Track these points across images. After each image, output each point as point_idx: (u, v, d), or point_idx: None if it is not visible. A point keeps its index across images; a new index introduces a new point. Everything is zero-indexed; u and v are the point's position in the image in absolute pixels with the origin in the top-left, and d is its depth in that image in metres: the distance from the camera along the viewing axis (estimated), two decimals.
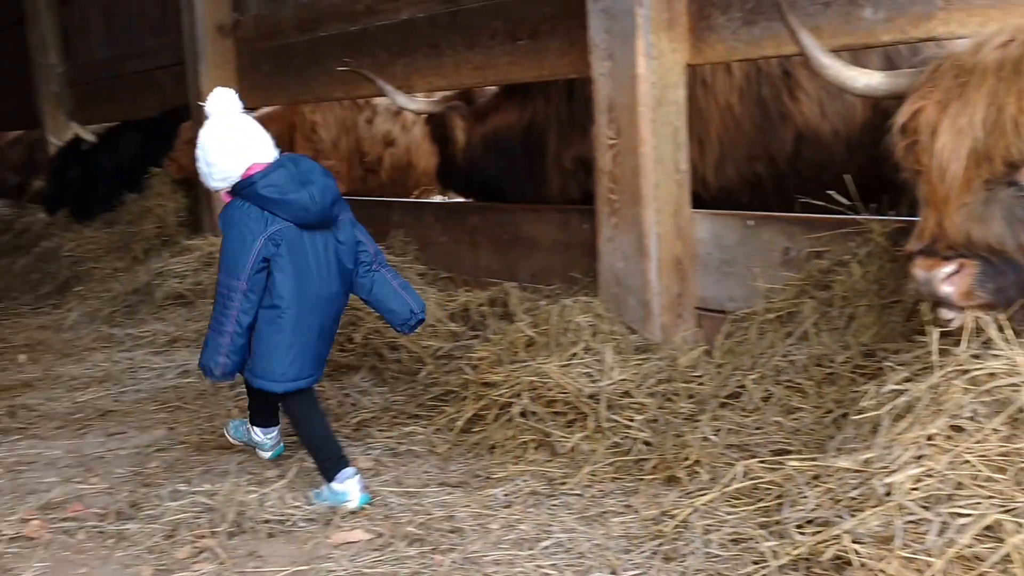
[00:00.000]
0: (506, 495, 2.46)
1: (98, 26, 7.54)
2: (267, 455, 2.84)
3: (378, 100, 5.69)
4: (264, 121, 2.95)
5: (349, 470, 2.48)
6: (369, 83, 4.44)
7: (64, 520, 2.48)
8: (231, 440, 2.95)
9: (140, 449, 3.06)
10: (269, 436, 2.82)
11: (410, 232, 4.51)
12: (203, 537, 2.30)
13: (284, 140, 5.62)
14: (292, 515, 2.39)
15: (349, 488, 2.44)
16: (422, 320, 2.69)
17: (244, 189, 2.54)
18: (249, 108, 5.40)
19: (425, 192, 5.96)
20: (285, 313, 2.48)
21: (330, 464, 2.48)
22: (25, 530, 2.42)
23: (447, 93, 4.41)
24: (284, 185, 2.51)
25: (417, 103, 4.37)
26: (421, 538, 2.24)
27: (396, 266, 4.20)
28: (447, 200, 5.35)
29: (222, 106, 2.68)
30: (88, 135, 7.12)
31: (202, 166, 2.63)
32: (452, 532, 2.26)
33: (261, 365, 2.49)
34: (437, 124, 4.43)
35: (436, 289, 3.95)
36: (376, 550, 2.20)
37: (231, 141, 2.60)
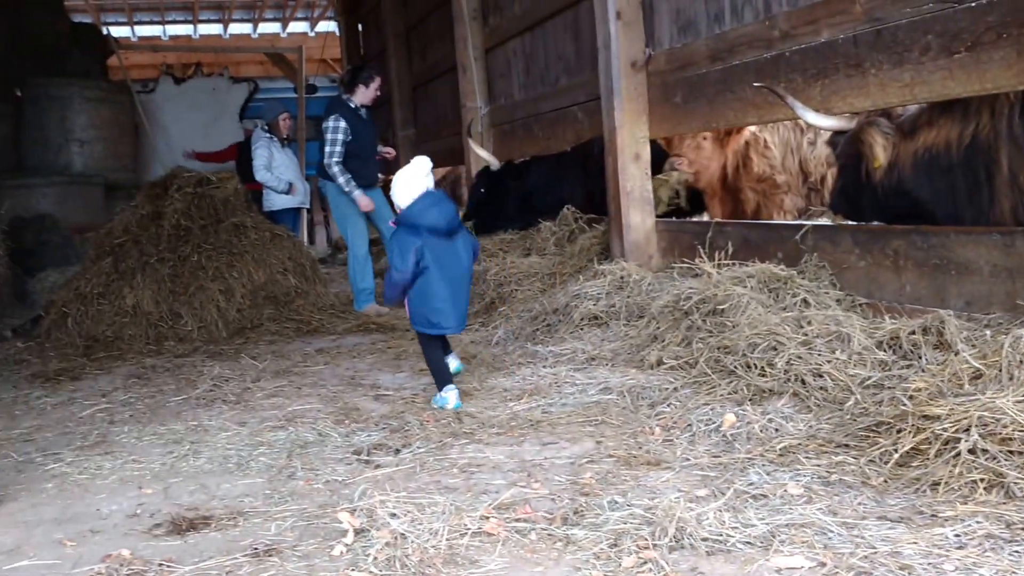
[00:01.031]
0: (957, 536, 2.30)
1: (518, 71, 8.26)
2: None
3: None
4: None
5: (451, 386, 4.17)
6: (782, 108, 4.42)
7: (516, 520, 2.71)
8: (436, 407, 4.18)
9: (573, 459, 3.27)
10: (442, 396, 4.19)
11: (824, 256, 4.40)
12: (646, 548, 2.40)
13: (740, 155, 5.78)
14: (730, 536, 2.41)
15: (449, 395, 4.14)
16: None
17: (402, 216, 4.14)
18: (658, 137, 5.64)
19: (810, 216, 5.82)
20: (434, 287, 4.09)
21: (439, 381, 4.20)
22: (485, 527, 2.67)
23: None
24: (425, 207, 4.08)
25: (829, 120, 4.26)
26: (867, 572, 2.16)
27: (811, 291, 4.15)
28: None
29: (416, 166, 4.21)
30: (491, 159, 7.98)
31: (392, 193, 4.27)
32: (901, 569, 2.16)
33: (420, 317, 4.18)
34: (848, 142, 4.28)
35: (858, 315, 3.80)
36: None
37: (405, 187, 4.17)
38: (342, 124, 7.10)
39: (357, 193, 7.15)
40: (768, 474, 2.85)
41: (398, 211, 4.22)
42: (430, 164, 4.25)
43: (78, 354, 6.24)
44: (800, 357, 3.49)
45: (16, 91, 11.50)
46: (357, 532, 2.66)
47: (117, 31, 17.31)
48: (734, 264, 4.62)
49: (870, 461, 2.82)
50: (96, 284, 6.78)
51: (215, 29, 21.79)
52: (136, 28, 21.16)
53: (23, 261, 9.00)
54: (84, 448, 3.97)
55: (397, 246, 4.09)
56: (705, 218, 6.27)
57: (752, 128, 5.77)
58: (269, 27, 22.09)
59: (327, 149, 7.11)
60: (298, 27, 22.08)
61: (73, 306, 6.69)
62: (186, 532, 2.89)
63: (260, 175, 8.44)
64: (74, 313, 6.66)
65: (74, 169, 11.31)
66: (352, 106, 7.24)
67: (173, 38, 21.36)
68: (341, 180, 7.09)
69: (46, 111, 11.18)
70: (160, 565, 2.61)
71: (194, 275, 6.79)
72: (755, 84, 4.53)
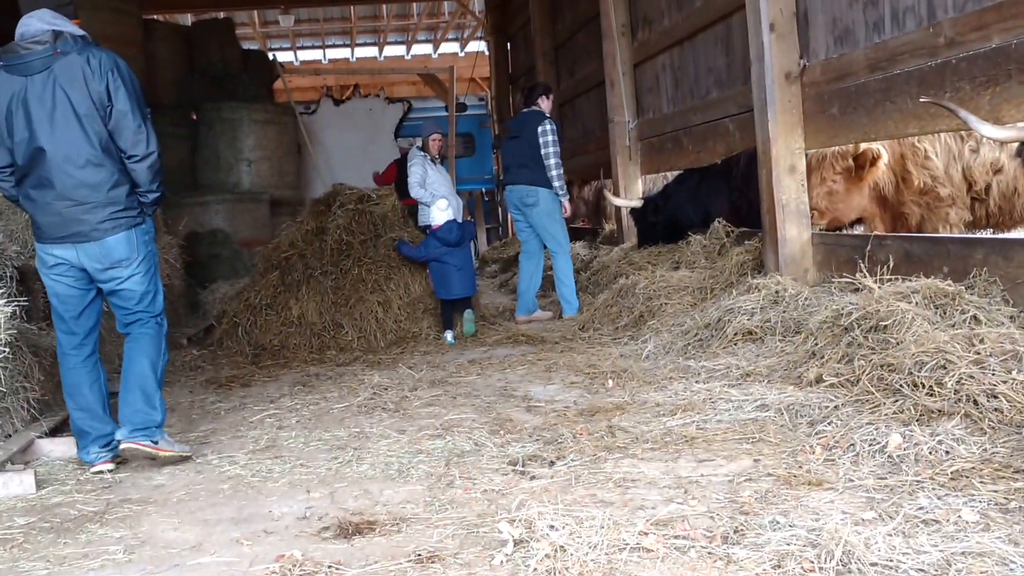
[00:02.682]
0: None
1: (667, 85, 8.22)
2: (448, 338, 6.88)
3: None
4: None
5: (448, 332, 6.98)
6: (945, 118, 4.25)
7: (675, 537, 2.69)
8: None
9: (731, 477, 3.22)
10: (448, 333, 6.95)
11: (995, 271, 4.19)
12: (811, 572, 2.34)
13: (899, 169, 5.60)
14: (901, 562, 2.32)
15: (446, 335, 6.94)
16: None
17: (435, 232, 7.13)
18: (815, 148, 5.50)
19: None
20: (449, 271, 6.96)
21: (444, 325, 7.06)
22: (644, 542, 2.66)
23: None
24: (447, 231, 7.00)
25: (1007, 131, 4.05)
26: None
27: (981, 308, 3.95)
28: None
29: (435, 211, 7.22)
30: (631, 202, 8.43)
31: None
32: None
33: (439, 289, 7.08)
34: None
35: None
36: None
37: (439, 216, 7.16)
38: (556, 128, 7.48)
39: (566, 199, 7.64)
40: (939, 499, 2.74)
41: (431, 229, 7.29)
42: (447, 203, 7.30)
43: (247, 362, 6.62)
44: (972, 376, 3.33)
45: (192, 115, 12.28)
46: (517, 542, 2.70)
47: (282, 56, 18.23)
48: (896, 279, 4.45)
49: None
50: (264, 296, 7.17)
51: (371, 52, 22.69)
52: (299, 53, 22.28)
53: (196, 273, 9.59)
54: (255, 452, 4.20)
55: (427, 245, 7.10)
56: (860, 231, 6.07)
57: (881, 147, 5.55)
58: (421, 48, 22.82)
59: (551, 150, 7.40)
60: (449, 48, 22.71)
61: (243, 316, 7.09)
62: (352, 536, 3.01)
63: (414, 191, 8.70)
64: (244, 323, 7.06)
65: (243, 187, 11.97)
66: (549, 115, 7.59)
67: (332, 61, 22.37)
68: (562, 183, 7.54)
69: (218, 133, 11.89)
70: (330, 567, 2.73)
71: (354, 288, 7.09)
72: (922, 100, 4.36)
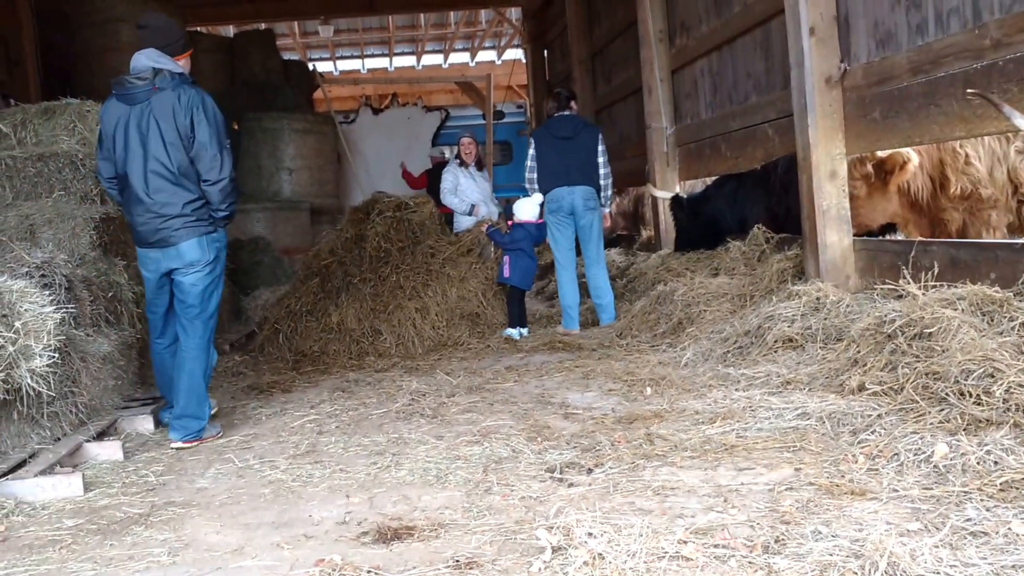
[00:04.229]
0: None
1: (705, 91, 8.18)
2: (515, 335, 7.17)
3: None
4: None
5: (514, 330, 7.23)
6: (993, 120, 4.18)
7: (715, 546, 2.66)
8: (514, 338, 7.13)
9: (771, 486, 3.18)
10: (516, 331, 7.18)
11: None
12: None
13: (937, 175, 5.50)
14: (949, 575, 2.30)
15: (511, 332, 7.21)
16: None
17: (524, 225, 7.50)
18: (856, 153, 5.43)
19: None
20: (526, 260, 7.45)
21: (513, 322, 7.27)
22: (683, 551, 2.63)
23: None
24: (536, 228, 7.53)
25: None
26: None
27: None
28: None
29: (530, 203, 7.56)
30: (668, 193, 8.37)
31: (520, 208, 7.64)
32: None
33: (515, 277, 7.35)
34: None
35: None
36: None
37: (530, 209, 7.53)
38: None
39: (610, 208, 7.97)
40: (988, 510, 2.68)
41: (515, 220, 7.63)
42: (541, 198, 7.45)
43: (288, 368, 6.67)
44: (1021, 386, 3.26)
45: (233, 124, 12.45)
46: (555, 549, 2.69)
47: (321, 66, 18.41)
48: (941, 285, 4.38)
49: None
50: (305, 302, 7.24)
51: (409, 61, 22.84)
52: (338, 63, 22.49)
53: (238, 280, 9.70)
54: (296, 456, 4.23)
55: (514, 235, 7.49)
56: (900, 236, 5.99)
57: (911, 152, 5.45)
58: (459, 57, 22.92)
59: (608, 159, 7.48)
60: (486, 56, 22.78)
61: (284, 323, 7.17)
62: (391, 541, 3.02)
63: (446, 199, 8.76)
64: (285, 330, 7.13)
65: (283, 195, 12.11)
66: None
67: (371, 71, 22.55)
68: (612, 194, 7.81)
69: (259, 142, 12.04)
70: (369, 572, 2.75)
71: (393, 294, 7.14)
72: (968, 92, 4.29)
